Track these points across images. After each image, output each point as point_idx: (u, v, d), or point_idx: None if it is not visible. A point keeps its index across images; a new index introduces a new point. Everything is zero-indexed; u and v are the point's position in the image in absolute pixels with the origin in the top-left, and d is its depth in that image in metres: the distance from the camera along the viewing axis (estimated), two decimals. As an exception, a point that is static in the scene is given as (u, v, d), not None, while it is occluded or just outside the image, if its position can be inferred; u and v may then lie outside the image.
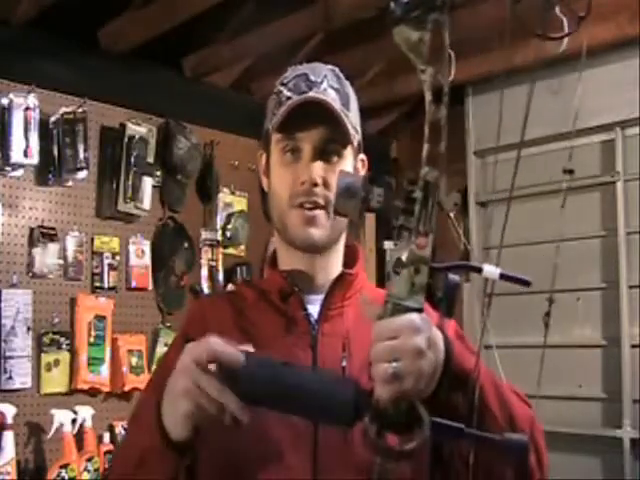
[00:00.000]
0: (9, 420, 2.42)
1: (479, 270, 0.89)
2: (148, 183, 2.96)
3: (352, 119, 1.15)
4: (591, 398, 3.18)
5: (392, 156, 4.06)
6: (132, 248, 2.95)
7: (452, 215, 3.62)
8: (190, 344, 0.94)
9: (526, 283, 0.91)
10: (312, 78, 1.14)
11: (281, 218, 1.14)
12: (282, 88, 1.15)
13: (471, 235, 3.60)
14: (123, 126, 2.93)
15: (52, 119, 2.71)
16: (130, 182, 2.89)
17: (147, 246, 3.00)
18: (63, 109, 2.72)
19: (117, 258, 2.89)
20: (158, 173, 3.05)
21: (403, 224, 0.88)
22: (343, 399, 0.90)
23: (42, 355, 2.62)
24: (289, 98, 1.12)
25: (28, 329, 2.58)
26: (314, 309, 1.13)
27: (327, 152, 1.12)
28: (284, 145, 1.13)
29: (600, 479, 3.09)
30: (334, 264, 1.18)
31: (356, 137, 1.16)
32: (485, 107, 3.52)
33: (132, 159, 2.90)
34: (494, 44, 3.06)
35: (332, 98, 1.12)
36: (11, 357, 2.52)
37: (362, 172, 1.21)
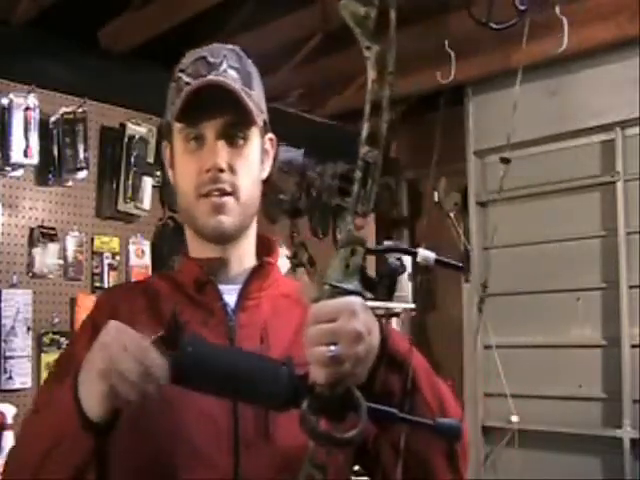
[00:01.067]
0: (9, 420, 2.43)
1: (414, 254, 0.88)
2: (148, 183, 2.96)
3: (255, 98, 1.10)
4: (591, 398, 3.18)
5: (392, 156, 4.06)
6: (132, 248, 2.95)
7: (452, 215, 3.62)
8: (110, 326, 0.90)
9: (459, 268, 0.91)
10: (211, 60, 1.09)
11: (188, 209, 1.10)
12: (181, 74, 1.10)
13: (471, 235, 3.59)
14: (123, 126, 2.93)
15: (52, 119, 2.71)
16: (130, 182, 2.90)
17: (147, 246, 3.00)
18: (63, 109, 2.73)
19: (117, 258, 2.89)
20: (158, 173, 3.05)
21: (340, 204, 0.87)
22: (276, 382, 0.87)
23: (42, 355, 2.62)
24: (188, 84, 1.07)
25: (28, 329, 2.58)
26: (230, 299, 1.10)
27: (231, 136, 1.08)
28: (186, 134, 1.09)
29: (600, 479, 3.09)
30: (246, 253, 1.15)
31: (261, 116, 1.12)
32: (485, 107, 3.52)
33: (132, 159, 2.90)
34: (494, 45, 3.07)
35: (232, 79, 1.08)
36: (11, 357, 2.52)
37: (271, 152, 1.17)
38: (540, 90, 3.22)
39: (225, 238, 1.10)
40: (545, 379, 3.29)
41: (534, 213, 3.37)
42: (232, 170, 1.07)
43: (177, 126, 1.10)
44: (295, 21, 2.83)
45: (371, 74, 0.82)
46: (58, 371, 1.10)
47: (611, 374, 3.13)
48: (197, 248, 1.15)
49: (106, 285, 2.84)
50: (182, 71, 1.11)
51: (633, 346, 3.06)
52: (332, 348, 0.81)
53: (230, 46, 1.14)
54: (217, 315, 1.08)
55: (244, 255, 1.14)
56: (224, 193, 1.07)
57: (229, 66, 1.09)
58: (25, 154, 2.57)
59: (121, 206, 2.89)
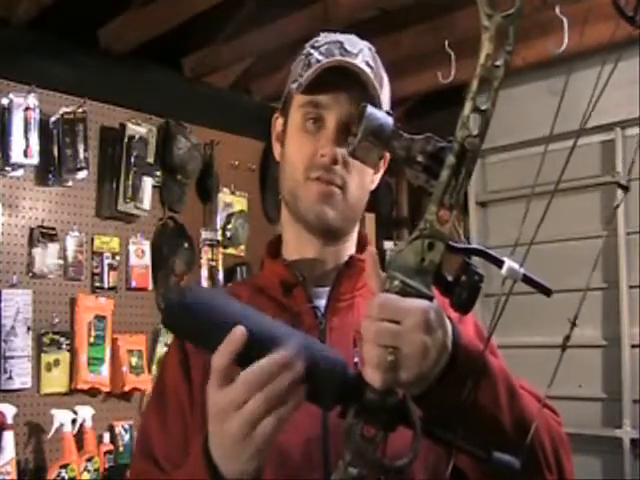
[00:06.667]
0: (9, 420, 2.43)
1: (500, 263, 0.76)
2: (148, 183, 2.96)
3: (383, 100, 1.03)
4: (591, 398, 3.18)
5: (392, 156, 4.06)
6: (132, 248, 2.95)
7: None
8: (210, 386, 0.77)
9: (546, 291, 0.80)
10: (348, 48, 1.03)
11: (293, 190, 1.04)
12: (312, 51, 1.04)
13: (471, 235, 3.59)
14: (123, 126, 2.93)
15: (52, 119, 2.71)
16: (130, 182, 2.90)
17: (147, 246, 3.00)
18: (63, 109, 2.73)
19: (117, 258, 2.89)
20: (158, 173, 3.05)
21: (423, 186, 0.74)
22: (332, 379, 0.75)
23: (42, 355, 2.62)
24: (319, 61, 1.02)
25: (28, 329, 2.58)
26: (321, 302, 1.03)
27: (351, 129, 1.00)
28: (307, 111, 1.02)
29: (600, 479, 3.09)
30: (347, 255, 1.07)
31: None
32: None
33: (132, 159, 2.90)
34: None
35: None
36: (11, 357, 2.52)
37: (383, 167, 1.11)
38: (540, 90, 3.22)
39: (328, 230, 1.03)
40: (545, 379, 3.29)
41: (534, 213, 3.37)
42: (345, 165, 1.02)
43: (298, 100, 1.04)
44: (295, 21, 2.83)
45: (487, 47, 0.72)
46: (160, 414, 1.01)
47: (611, 374, 3.13)
48: (292, 241, 1.07)
49: (106, 285, 2.84)
50: (314, 48, 1.05)
51: (633, 346, 3.06)
52: (390, 353, 0.71)
53: (367, 43, 1.07)
54: (305, 319, 1.00)
55: (343, 257, 1.06)
56: (333, 184, 1.01)
57: (364, 61, 1.02)
58: (25, 154, 2.57)
59: (121, 206, 2.89)
